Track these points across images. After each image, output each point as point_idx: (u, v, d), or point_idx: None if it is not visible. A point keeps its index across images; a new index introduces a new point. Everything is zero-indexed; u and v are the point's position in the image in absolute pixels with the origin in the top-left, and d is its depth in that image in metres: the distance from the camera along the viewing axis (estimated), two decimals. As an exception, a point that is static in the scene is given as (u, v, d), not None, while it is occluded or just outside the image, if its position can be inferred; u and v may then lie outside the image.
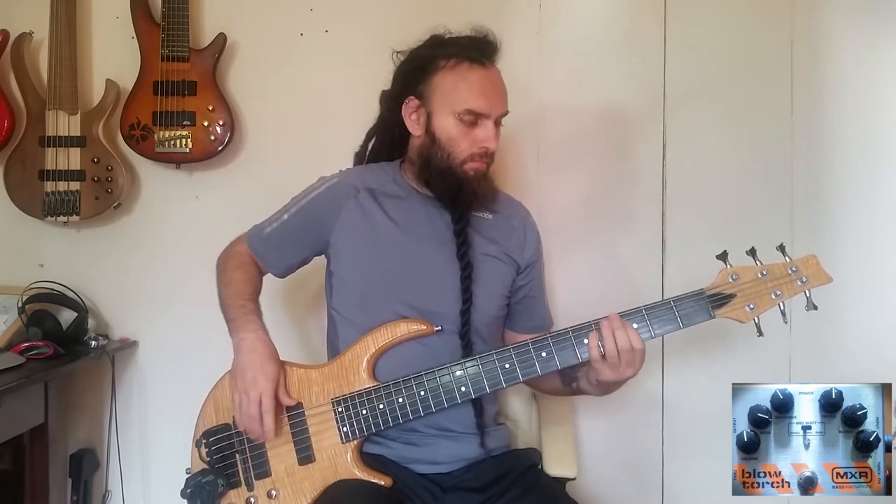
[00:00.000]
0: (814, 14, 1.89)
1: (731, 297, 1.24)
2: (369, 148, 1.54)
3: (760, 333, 1.24)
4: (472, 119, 1.33)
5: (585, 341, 1.25)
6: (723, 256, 1.26)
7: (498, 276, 1.43)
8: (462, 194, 1.35)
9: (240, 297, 1.37)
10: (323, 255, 1.46)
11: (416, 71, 1.37)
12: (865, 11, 1.89)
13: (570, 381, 1.37)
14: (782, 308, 1.24)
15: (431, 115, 1.35)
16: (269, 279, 1.48)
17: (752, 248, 1.24)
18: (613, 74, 1.93)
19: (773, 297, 1.23)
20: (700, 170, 1.92)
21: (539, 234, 1.51)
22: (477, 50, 1.34)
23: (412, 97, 1.38)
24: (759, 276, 1.24)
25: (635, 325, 1.24)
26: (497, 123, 1.36)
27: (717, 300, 1.24)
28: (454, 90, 1.33)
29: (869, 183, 1.89)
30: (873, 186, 1.89)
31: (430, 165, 1.36)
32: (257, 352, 1.29)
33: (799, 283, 1.23)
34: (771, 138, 1.91)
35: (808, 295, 1.23)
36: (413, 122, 1.39)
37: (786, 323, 1.23)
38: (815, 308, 1.22)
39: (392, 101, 1.42)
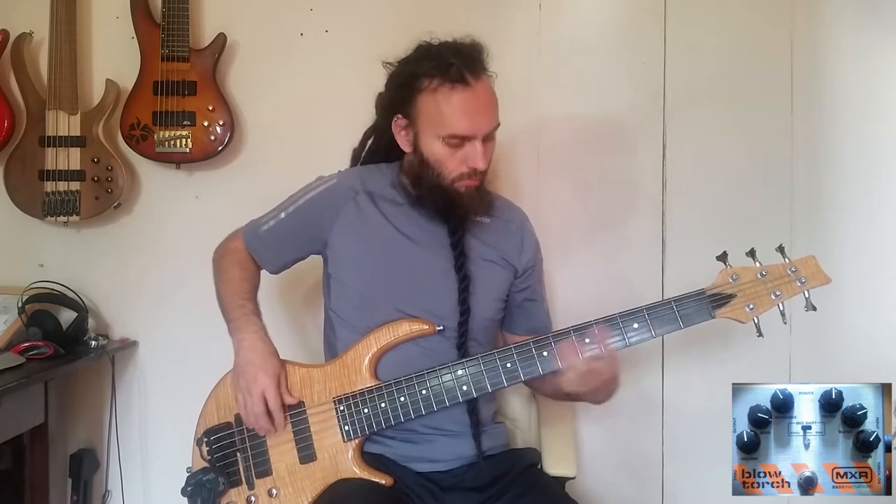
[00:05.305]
0: (814, 14, 1.89)
1: (731, 297, 1.24)
2: (367, 147, 1.54)
3: (760, 334, 1.24)
4: (458, 142, 1.31)
5: (587, 340, 1.25)
6: (723, 257, 1.26)
7: (495, 281, 1.43)
8: (455, 210, 1.35)
9: (239, 296, 1.38)
10: (319, 255, 1.45)
11: (403, 88, 1.35)
12: (865, 11, 1.88)
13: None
14: (781, 308, 1.24)
15: (418, 135, 1.35)
16: (264, 275, 1.49)
17: (752, 249, 1.25)
18: (613, 75, 1.92)
19: (773, 297, 1.24)
20: (700, 170, 1.92)
21: (537, 239, 1.51)
22: (460, 66, 1.28)
23: (400, 115, 1.36)
24: (759, 276, 1.25)
25: (636, 325, 1.24)
26: (487, 139, 1.34)
27: (717, 300, 1.25)
28: (436, 114, 1.30)
29: (869, 183, 1.89)
30: (873, 186, 1.89)
31: (422, 183, 1.36)
32: (258, 351, 1.29)
33: (798, 283, 1.24)
34: (771, 138, 1.90)
35: (807, 296, 1.24)
36: (403, 139, 1.38)
37: (785, 323, 1.24)
38: (814, 309, 1.23)
39: (384, 110, 1.42)
